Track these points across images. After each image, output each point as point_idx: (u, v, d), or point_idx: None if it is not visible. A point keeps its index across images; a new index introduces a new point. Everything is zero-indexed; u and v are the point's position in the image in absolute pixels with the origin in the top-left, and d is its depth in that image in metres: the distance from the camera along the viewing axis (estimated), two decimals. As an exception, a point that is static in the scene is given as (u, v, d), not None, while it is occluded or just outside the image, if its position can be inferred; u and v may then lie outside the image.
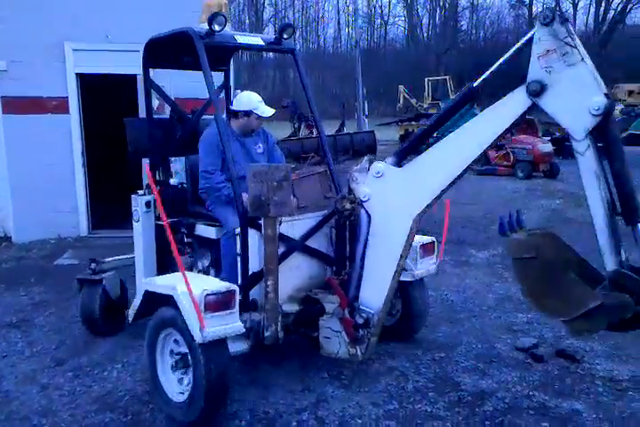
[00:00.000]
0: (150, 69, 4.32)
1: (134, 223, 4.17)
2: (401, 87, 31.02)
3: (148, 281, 3.44)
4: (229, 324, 3.05)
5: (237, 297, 3.10)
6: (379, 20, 51.51)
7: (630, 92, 30.23)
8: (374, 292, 3.16)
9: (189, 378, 3.17)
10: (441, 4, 49.02)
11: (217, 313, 3.00)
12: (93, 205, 8.00)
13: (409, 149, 3.06)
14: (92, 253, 6.96)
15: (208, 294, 2.99)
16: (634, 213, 2.41)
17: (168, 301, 3.17)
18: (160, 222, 3.88)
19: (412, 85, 32.58)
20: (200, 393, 3.06)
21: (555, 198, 10.56)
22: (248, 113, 3.90)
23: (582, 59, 2.46)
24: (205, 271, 3.99)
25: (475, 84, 2.75)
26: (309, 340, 3.67)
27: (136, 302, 3.50)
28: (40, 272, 6.28)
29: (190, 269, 4.02)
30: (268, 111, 3.92)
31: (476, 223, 8.45)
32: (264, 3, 43.76)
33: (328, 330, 3.42)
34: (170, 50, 4.14)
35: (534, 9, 45.74)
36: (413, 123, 19.25)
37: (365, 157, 3.30)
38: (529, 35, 2.58)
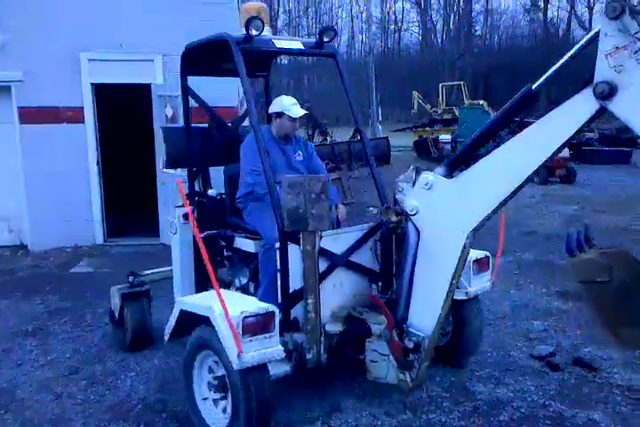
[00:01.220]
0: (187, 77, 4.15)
1: (172, 235, 4.13)
2: (415, 93, 30.92)
3: (184, 300, 3.24)
4: (269, 348, 2.85)
5: (277, 319, 2.91)
6: (392, 26, 51.48)
7: None
8: (425, 313, 2.92)
9: (228, 403, 3.00)
10: (455, 9, 48.88)
11: (256, 337, 2.81)
12: (109, 213, 8.07)
13: (460, 159, 2.85)
14: (108, 261, 7.02)
15: (246, 317, 2.79)
16: None
17: (205, 320, 3.00)
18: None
19: (426, 91, 32.50)
20: (240, 421, 2.87)
21: (572, 204, 10.44)
22: (280, 114, 3.89)
23: None
24: (244, 287, 3.83)
25: (534, 86, 2.54)
26: (355, 363, 3.42)
27: (171, 320, 3.25)
28: (56, 280, 6.34)
29: (229, 284, 3.93)
30: (300, 111, 3.87)
31: (493, 229, 8.35)
32: (278, 11, 44.04)
33: (375, 353, 3.18)
34: (207, 57, 4.04)
35: (549, 13, 45.51)
36: (427, 129, 19.18)
37: (411, 166, 3.09)
38: (594, 31, 2.31)
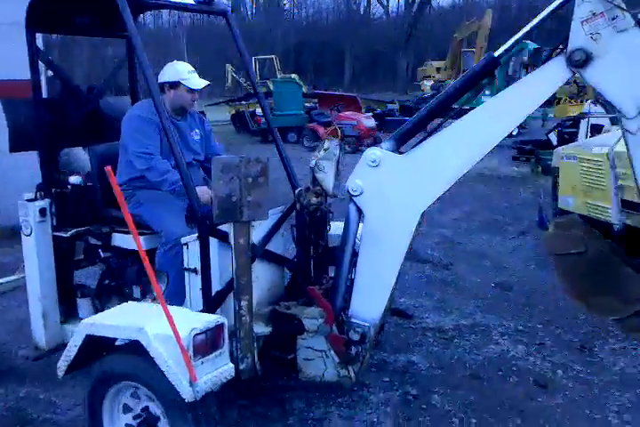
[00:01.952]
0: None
1: (24, 237, 3.30)
2: (228, 66, 30.65)
3: (92, 322, 2.51)
4: (220, 367, 2.38)
5: (226, 330, 2.45)
6: (201, -3, 49.99)
7: (438, 69, 32.82)
8: (371, 301, 2.63)
9: None
10: (263, -19, 48.97)
11: (207, 357, 2.32)
12: None
13: (410, 132, 2.59)
14: None
15: (196, 335, 2.27)
16: None
17: (123, 346, 2.52)
18: (60, 234, 3.26)
19: (240, 65, 32.41)
20: None
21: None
22: (175, 84, 3.32)
23: (635, 24, 2.12)
24: (128, 293, 3.32)
25: (496, 54, 2.40)
26: (282, 364, 3.04)
27: (71, 350, 2.52)
28: None
29: (109, 290, 3.40)
30: (201, 82, 3.36)
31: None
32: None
33: (309, 350, 2.82)
34: (64, 9, 3.31)
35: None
36: (244, 102, 19.19)
37: (326, 142, 2.88)
38: None
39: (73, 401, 3.28)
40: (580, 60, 2.18)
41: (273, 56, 32.19)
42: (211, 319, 2.42)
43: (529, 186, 9.46)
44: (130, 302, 2.85)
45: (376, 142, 13.68)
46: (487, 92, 17.15)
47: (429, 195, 2.50)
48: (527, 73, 11.15)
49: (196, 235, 2.84)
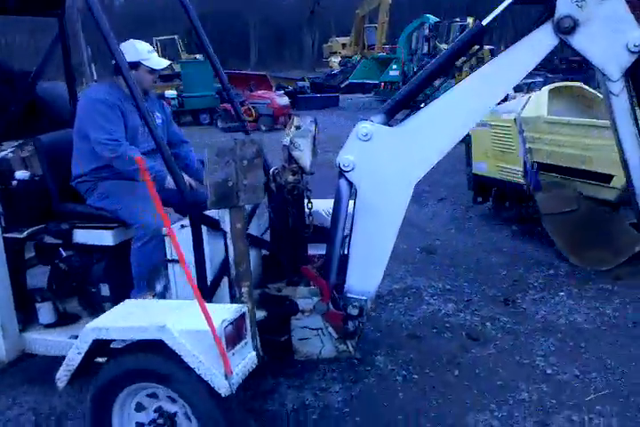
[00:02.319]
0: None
1: None
2: (126, 48, 29.31)
3: (100, 326, 2.33)
4: (246, 357, 2.31)
5: (248, 320, 2.39)
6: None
7: (344, 45, 33.08)
8: (367, 275, 2.64)
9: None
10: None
11: (235, 348, 2.26)
12: None
13: (400, 105, 2.57)
14: None
15: (227, 326, 2.20)
16: None
17: (139, 346, 2.37)
18: (12, 235, 3.00)
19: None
20: None
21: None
22: (135, 65, 3.10)
23: None
24: (93, 292, 3.14)
25: (485, 23, 2.40)
26: (275, 347, 2.88)
27: (74, 357, 2.33)
28: None
29: (71, 291, 3.21)
30: (163, 61, 3.21)
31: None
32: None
33: (305, 330, 2.78)
34: None
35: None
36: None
37: (295, 119, 2.81)
38: None
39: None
40: (569, 27, 2.25)
41: (175, 36, 31.18)
42: (233, 309, 2.33)
43: (442, 155, 9.83)
44: (128, 300, 2.60)
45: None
46: (394, 67, 17.53)
47: (423, 165, 2.51)
48: (429, 46, 11.65)
49: (180, 224, 2.71)
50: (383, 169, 2.52)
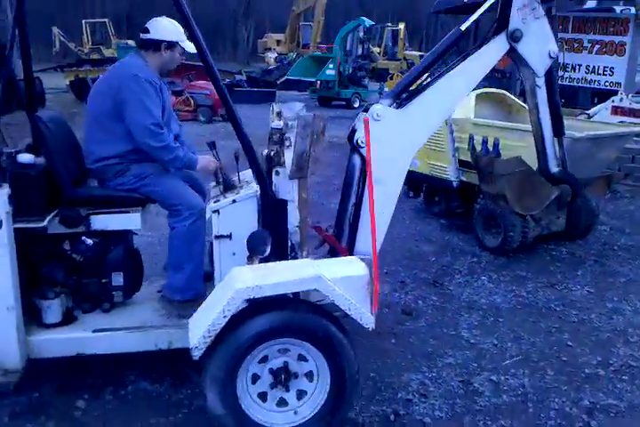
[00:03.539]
0: None
1: None
2: (55, 29, 28.30)
3: (251, 286, 2.37)
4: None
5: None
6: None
7: (278, 42, 33.22)
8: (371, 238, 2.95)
9: (323, 386, 2.58)
10: None
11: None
12: None
13: (402, 90, 3.08)
14: None
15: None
16: (561, 128, 3.59)
17: (270, 305, 2.50)
18: (29, 226, 2.71)
19: (67, 28, 30.00)
20: (334, 399, 2.57)
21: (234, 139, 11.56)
22: (172, 45, 3.01)
23: (544, 14, 3.16)
24: (104, 282, 3.02)
25: (463, 28, 3.07)
26: None
27: (216, 325, 2.35)
28: None
29: (84, 284, 3.02)
30: (193, 46, 2.91)
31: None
32: None
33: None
34: None
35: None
36: (79, 69, 17.98)
37: (277, 105, 3.01)
38: None
39: None
40: (518, 37, 3.15)
41: (105, 20, 30.33)
42: (362, 258, 2.70)
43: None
44: (236, 267, 2.59)
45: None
46: (330, 66, 17.93)
47: (420, 140, 3.08)
48: (362, 48, 12.45)
49: (231, 199, 2.83)
50: (389, 144, 2.92)
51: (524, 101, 5.14)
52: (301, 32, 31.41)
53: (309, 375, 2.59)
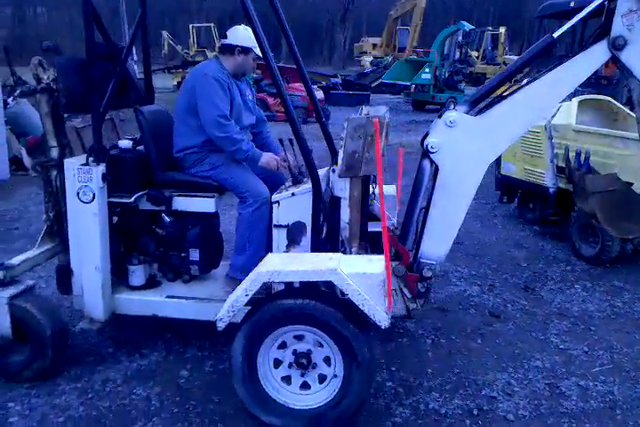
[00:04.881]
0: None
1: (80, 205, 3.14)
2: (165, 33, 29.97)
3: (272, 270, 2.59)
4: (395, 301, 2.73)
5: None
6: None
7: (374, 45, 33.33)
8: (439, 243, 2.96)
9: (338, 373, 2.72)
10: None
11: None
12: None
13: (481, 98, 3.00)
14: None
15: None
16: None
17: (289, 292, 2.74)
18: (120, 200, 3.24)
19: (175, 32, 31.73)
20: (355, 389, 2.66)
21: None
22: (247, 50, 3.36)
23: None
24: (183, 257, 3.42)
25: (555, 35, 2.87)
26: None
27: (239, 301, 2.60)
28: None
29: (165, 256, 3.47)
30: None
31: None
32: None
33: None
34: None
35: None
36: (187, 70, 18.98)
37: (367, 107, 3.09)
38: None
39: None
40: (621, 45, 2.82)
41: (211, 24, 31.68)
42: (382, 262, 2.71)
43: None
44: (271, 253, 2.87)
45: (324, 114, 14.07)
46: (427, 70, 17.87)
47: (496, 150, 2.95)
48: (461, 52, 12.20)
49: (290, 192, 3.06)
50: (464, 152, 2.88)
51: (631, 109, 4.93)
52: (398, 36, 31.36)
53: (327, 360, 2.74)
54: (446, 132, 2.86)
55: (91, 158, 3.14)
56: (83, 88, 3.21)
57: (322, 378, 2.76)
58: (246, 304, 2.63)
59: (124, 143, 3.36)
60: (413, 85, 17.81)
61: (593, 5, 2.88)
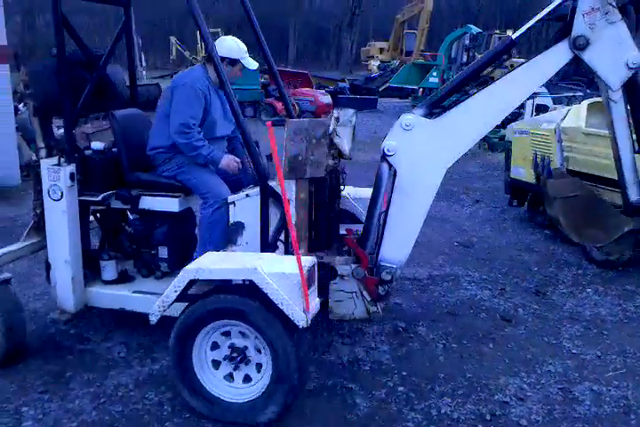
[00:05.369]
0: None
1: (50, 202, 3.33)
2: (172, 38, 30.10)
3: (198, 268, 2.72)
4: (315, 300, 2.74)
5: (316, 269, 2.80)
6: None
7: (381, 50, 33.31)
8: (399, 246, 2.99)
9: (254, 373, 2.83)
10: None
11: (310, 290, 2.65)
12: None
13: (439, 101, 2.97)
14: None
15: (308, 271, 2.61)
16: None
17: (221, 288, 2.81)
18: (88, 199, 3.41)
19: (183, 37, 31.86)
20: (284, 386, 2.71)
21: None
22: (234, 62, 3.47)
23: (621, 18, 2.72)
24: (152, 254, 3.60)
25: (514, 37, 2.86)
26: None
27: (169, 296, 2.75)
28: None
29: (130, 252, 3.70)
30: (254, 63, 3.55)
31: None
32: None
33: (340, 293, 3.09)
34: None
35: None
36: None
37: (335, 112, 3.15)
38: None
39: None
40: (582, 44, 2.75)
41: (218, 30, 31.79)
42: (310, 259, 2.74)
43: (478, 161, 10.20)
44: (213, 251, 3.02)
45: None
46: (434, 74, 17.86)
47: (454, 154, 2.89)
48: (468, 56, 12.07)
49: (245, 193, 3.19)
50: (421, 155, 2.88)
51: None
52: (405, 40, 31.32)
53: (256, 348, 2.82)
54: (403, 135, 2.86)
55: (62, 159, 3.31)
56: (55, 92, 3.32)
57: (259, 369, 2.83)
58: (183, 301, 2.80)
59: (97, 145, 3.50)
60: (421, 89, 17.81)
61: (552, 6, 2.84)
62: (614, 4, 2.73)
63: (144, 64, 21.34)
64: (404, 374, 3.33)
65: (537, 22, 2.87)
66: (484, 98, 2.83)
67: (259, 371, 2.82)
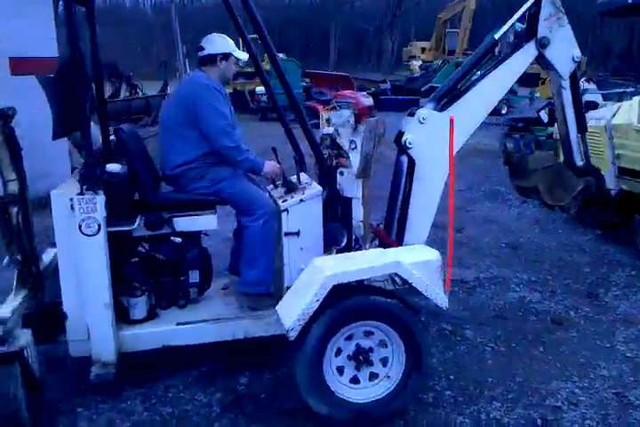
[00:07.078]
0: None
1: (84, 239, 2.80)
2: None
3: (334, 273, 2.63)
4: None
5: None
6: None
7: (423, 49, 32.99)
8: (418, 231, 3.24)
9: (378, 370, 2.86)
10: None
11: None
12: None
13: (444, 95, 3.30)
14: None
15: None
16: (584, 125, 3.81)
17: (351, 290, 2.78)
18: (122, 229, 2.95)
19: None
20: (419, 372, 2.85)
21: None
22: (227, 56, 3.32)
23: (568, 22, 3.43)
24: (182, 280, 3.28)
25: (497, 36, 3.33)
26: None
27: (310, 308, 2.60)
28: None
29: (165, 283, 3.28)
30: (245, 55, 3.41)
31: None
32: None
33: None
34: None
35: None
36: (237, 82, 19.30)
37: (327, 113, 3.25)
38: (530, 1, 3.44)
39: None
40: (546, 44, 3.40)
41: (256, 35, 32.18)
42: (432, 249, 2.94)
43: (524, 160, 9.96)
44: (316, 258, 2.88)
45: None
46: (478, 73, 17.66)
47: (459, 142, 3.23)
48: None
49: (298, 199, 3.13)
50: (433, 145, 3.18)
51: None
52: (447, 39, 30.98)
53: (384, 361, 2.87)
54: (420, 128, 3.17)
55: (85, 186, 2.79)
56: (71, 107, 2.88)
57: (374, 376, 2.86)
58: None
59: (114, 167, 2.99)
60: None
61: (522, 10, 3.40)
62: (563, 11, 3.43)
63: (188, 71, 21.66)
64: (452, 377, 3.28)
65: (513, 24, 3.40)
66: (476, 94, 3.29)
67: (384, 365, 2.86)
